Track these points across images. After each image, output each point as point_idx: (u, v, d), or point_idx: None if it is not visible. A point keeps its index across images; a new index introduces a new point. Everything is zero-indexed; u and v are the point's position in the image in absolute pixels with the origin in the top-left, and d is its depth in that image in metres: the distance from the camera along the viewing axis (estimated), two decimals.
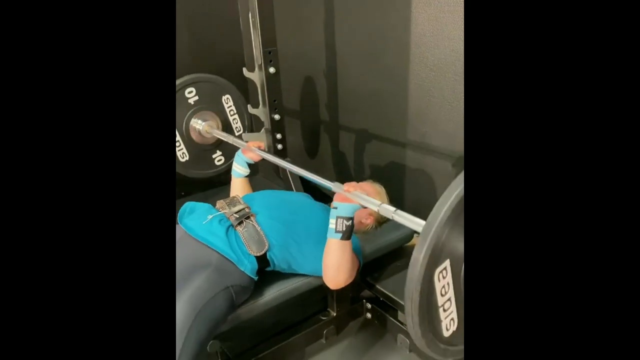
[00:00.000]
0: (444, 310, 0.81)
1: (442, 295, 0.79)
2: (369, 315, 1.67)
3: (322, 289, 1.63)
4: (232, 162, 1.63)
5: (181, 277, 1.08)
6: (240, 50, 2.05)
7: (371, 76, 1.85)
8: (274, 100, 1.77)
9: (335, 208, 1.11)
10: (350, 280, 1.22)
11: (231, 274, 1.14)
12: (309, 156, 2.40)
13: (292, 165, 1.37)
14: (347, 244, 1.13)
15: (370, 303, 1.65)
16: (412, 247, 1.73)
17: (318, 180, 1.22)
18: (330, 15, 1.94)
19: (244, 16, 2.16)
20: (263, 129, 1.82)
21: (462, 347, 0.89)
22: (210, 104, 1.89)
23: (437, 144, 1.68)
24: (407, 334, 1.51)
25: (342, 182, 1.16)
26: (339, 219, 1.10)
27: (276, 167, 1.84)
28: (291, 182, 1.79)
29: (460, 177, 0.72)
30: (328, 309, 1.62)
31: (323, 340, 1.59)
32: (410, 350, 1.53)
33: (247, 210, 1.25)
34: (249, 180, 1.58)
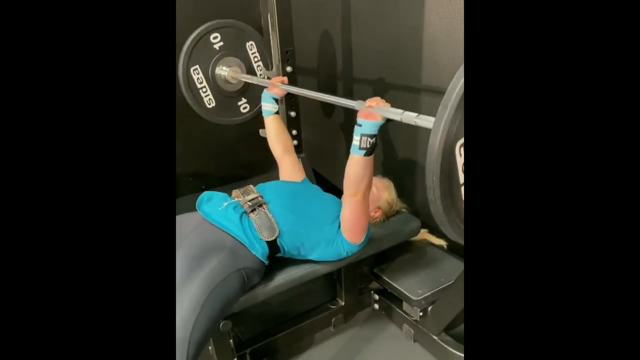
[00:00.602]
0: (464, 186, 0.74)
1: (464, 172, 0.72)
2: (376, 306, 1.74)
3: (329, 275, 1.71)
4: (257, 110, 1.63)
5: (197, 258, 1.16)
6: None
7: (387, 75, 1.91)
8: (291, 99, 1.85)
9: (360, 126, 1.11)
10: (366, 203, 1.25)
11: (244, 257, 1.22)
12: (324, 152, 2.48)
13: (313, 92, 1.38)
14: (370, 160, 1.15)
15: (378, 294, 1.71)
16: (419, 241, 1.78)
17: (339, 101, 1.22)
18: (347, 18, 2.01)
19: (265, 17, 2.25)
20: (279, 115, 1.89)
21: None
22: (234, 50, 1.86)
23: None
24: (411, 324, 1.57)
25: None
26: (362, 137, 1.10)
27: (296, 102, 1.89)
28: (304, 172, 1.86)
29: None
30: (337, 299, 1.69)
31: (331, 328, 1.66)
32: (414, 341, 1.58)
33: (259, 199, 1.33)
34: (279, 117, 1.64)
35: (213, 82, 1.84)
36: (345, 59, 2.12)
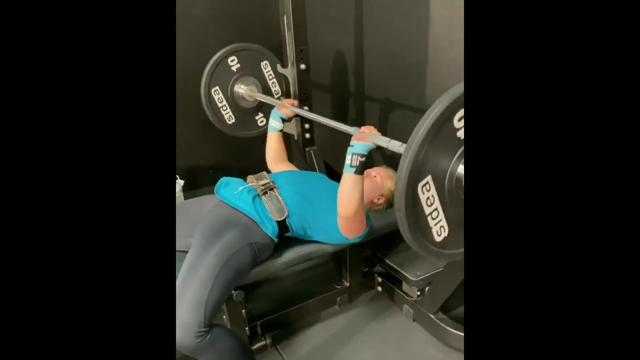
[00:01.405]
0: (433, 219, 0.89)
1: (428, 205, 0.86)
2: (379, 288, 1.85)
3: (336, 259, 1.84)
4: None
5: (215, 232, 1.31)
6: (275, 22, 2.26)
7: (393, 73, 2.03)
8: (304, 94, 1.98)
9: (352, 146, 1.25)
10: (359, 214, 1.36)
11: (256, 233, 1.36)
12: (335, 146, 2.60)
13: (317, 116, 1.56)
14: (360, 178, 1.27)
15: (381, 277, 1.83)
16: None
17: (339, 125, 1.38)
18: (359, 19, 2.13)
19: (281, 18, 2.40)
20: (293, 119, 2.03)
21: (456, 250, 0.96)
22: (250, 70, 2.07)
23: None
24: (411, 305, 1.69)
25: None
26: (354, 155, 1.24)
27: (304, 153, 2.05)
28: (316, 166, 2.00)
29: (435, 104, 0.80)
30: (342, 280, 1.82)
31: (337, 307, 1.79)
32: (414, 320, 1.70)
33: (271, 183, 1.47)
34: (282, 135, 1.83)
35: (232, 100, 2.08)
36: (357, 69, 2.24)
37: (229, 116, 2.09)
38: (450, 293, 1.49)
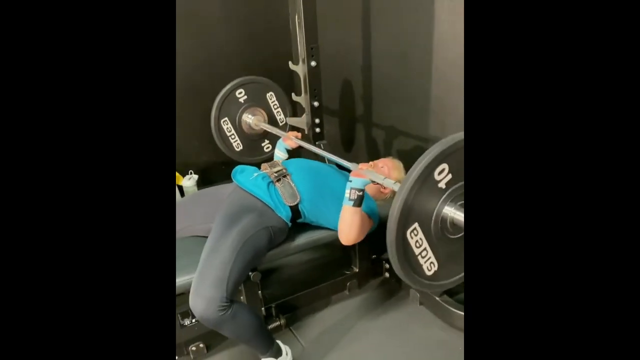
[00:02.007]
0: (422, 257, 1.03)
1: (417, 247, 1.00)
2: (387, 274, 1.94)
3: (345, 247, 1.92)
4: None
5: (234, 216, 1.40)
6: (283, 49, 2.42)
7: (400, 71, 2.12)
8: (314, 89, 2.07)
9: (350, 181, 1.37)
10: (360, 238, 1.47)
11: (271, 217, 1.45)
12: (345, 144, 2.70)
13: (318, 149, 1.68)
14: (358, 210, 1.39)
15: (388, 263, 1.92)
16: None
17: (339, 160, 1.50)
18: (367, 19, 2.22)
19: (293, 17, 2.50)
20: (304, 114, 2.13)
21: (445, 281, 1.11)
22: (257, 101, 2.24)
23: (454, 131, 1.92)
24: (418, 289, 1.77)
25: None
26: (352, 190, 1.36)
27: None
28: (326, 161, 2.09)
29: (420, 160, 0.94)
30: (351, 266, 1.90)
31: (346, 292, 1.88)
32: (420, 303, 1.78)
33: (284, 171, 1.57)
34: None
35: (240, 129, 2.24)
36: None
37: (237, 144, 2.25)
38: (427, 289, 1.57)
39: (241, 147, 2.26)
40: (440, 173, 0.96)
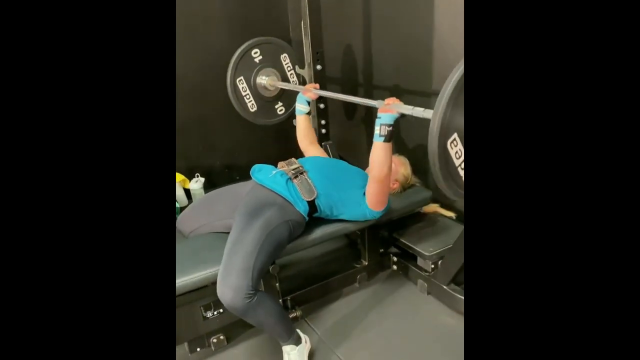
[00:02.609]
0: (462, 168, 1.06)
1: (457, 158, 1.04)
2: (394, 267, 2.03)
3: (352, 239, 2.01)
4: (291, 110, 2.05)
5: (256, 210, 1.48)
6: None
7: (401, 72, 2.22)
8: None
9: (380, 118, 1.40)
10: (388, 179, 1.52)
11: (290, 212, 1.53)
12: (349, 143, 2.79)
13: (340, 95, 1.71)
14: (389, 145, 1.43)
15: (396, 256, 2.01)
16: (431, 213, 2.07)
17: (363, 100, 1.53)
18: (367, 23, 2.33)
19: (294, 24, 2.60)
20: (310, 115, 2.21)
21: None
22: (271, 62, 2.24)
23: None
24: (425, 279, 1.86)
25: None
26: (382, 126, 1.39)
27: (320, 147, 2.22)
28: (330, 155, 2.19)
29: (451, 75, 0.95)
30: (361, 259, 1.99)
31: (357, 284, 1.96)
32: (428, 293, 1.87)
33: (301, 168, 1.65)
34: (309, 117, 1.99)
35: (255, 90, 2.25)
36: (365, 63, 2.43)
37: (251, 104, 2.25)
38: (460, 265, 1.67)
39: (255, 108, 2.26)
40: None
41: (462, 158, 1.05)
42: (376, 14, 2.28)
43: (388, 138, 1.42)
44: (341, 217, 1.66)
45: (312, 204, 1.58)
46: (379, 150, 1.45)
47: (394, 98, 1.42)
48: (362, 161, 1.55)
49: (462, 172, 1.06)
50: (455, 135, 1.02)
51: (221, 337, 1.63)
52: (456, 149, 1.03)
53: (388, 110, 1.39)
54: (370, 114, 2.54)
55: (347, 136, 2.80)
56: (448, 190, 1.06)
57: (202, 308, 1.56)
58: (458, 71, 0.96)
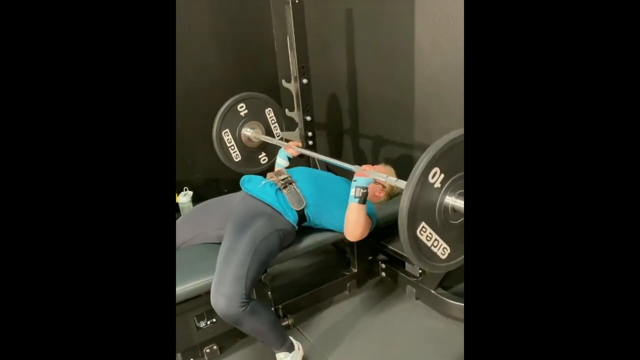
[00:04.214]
0: (435, 247, 1.19)
1: (428, 240, 1.16)
2: (383, 274, 2.07)
3: (341, 246, 2.05)
4: (273, 161, 2.13)
5: (246, 221, 1.51)
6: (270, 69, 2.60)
7: (384, 84, 2.30)
8: (307, 105, 2.22)
9: (355, 181, 1.52)
10: (364, 235, 1.61)
11: (280, 221, 1.57)
12: (335, 155, 2.85)
13: (321, 155, 1.82)
14: (363, 207, 1.53)
15: (384, 263, 2.05)
16: None
17: (342, 164, 1.64)
18: (350, 39, 2.40)
19: (278, 39, 2.67)
20: (297, 129, 2.27)
21: (458, 259, 1.25)
22: (256, 116, 2.38)
23: (438, 136, 2.09)
24: (414, 285, 1.90)
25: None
26: (357, 188, 1.51)
27: (307, 159, 2.28)
28: (318, 167, 2.23)
29: (412, 172, 1.08)
30: (350, 267, 2.03)
31: (347, 292, 2.00)
32: (417, 298, 1.91)
33: (289, 178, 1.69)
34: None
35: (239, 141, 2.37)
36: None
37: (235, 155, 2.38)
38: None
39: (240, 158, 2.37)
40: (433, 176, 1.11)
41: (434, 238, 1.17)
42: (359, 27, 2.35)
43: (362, 200, 1.52)
44: (329, 227, 1.70)
45: (301, 214, 1.62)
46: (354, 210, 1.54)
47: (370, 165, 1.56)
48: (349, 174, 1.61)
49: (435, 250, 1.19)
50: (423, 223, 1.14)
51: (214, 347, 1.65)
52: (426, 234, 1.15)
53: (363, 174, 1.49)
54: (357, 127, 2.61)
55: (332, 147, 2.87)
56: (425, 267, 1.20)
57: (195, 318, 1.57)
58: (427, 156, 1.08)
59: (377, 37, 2.25)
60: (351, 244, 1.95)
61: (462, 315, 1.74)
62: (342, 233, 1.73)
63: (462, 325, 1.73)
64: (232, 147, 2.34)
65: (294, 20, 2.02)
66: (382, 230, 1.99)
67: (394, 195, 1.97)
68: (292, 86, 2.20)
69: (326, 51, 2.61)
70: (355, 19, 2.35)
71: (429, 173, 1.10)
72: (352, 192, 1.52)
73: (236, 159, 2.37)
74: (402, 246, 1.90)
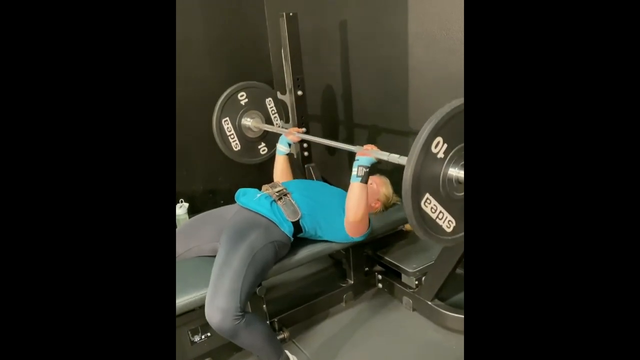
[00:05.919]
0: (440, 219, 1.14)
1: (433, 212, 1.12)
2: (380, 285, 2.06)
3: (337, 258, 2.04)
4: (273, 152, 2.10)
5: (241, 233, 1.50)
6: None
7: (379, 95, 2.31)
8: (302, 116, 2.23)
9: (357, 160, 1.49)
10: (365, 219, 1.59)
11: (275, 233, 1.56)
12: (330, 166, 2.85)
13: (321, 139, 1.81)
14: (365, 186, 1.51)
15: (381, 274, 2.04)
16: (413, 231, 2.12)
17: (344, 145, 1.61)
18: (345, 49, 2.42)
19: (274, 51, 2.68)
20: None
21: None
22: (257, 105, 2.33)
23: None
24: (410, 296, 1.89)
25: None
26: (359, 167, 1.48)
27: (303, 169, 2.28)
28: (314, 178, 2.23)
29: (416, 140, 1.05)
30: (346, 279, 2.02)
31: (343, 304, 1.98)
32: (413, 309, 1.90)
33: (284, 190, 1.69)
34: (288, 158, 2.04)
35: (239, 130, 2.33)
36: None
37: (235, 144, 2.33)
38: (443, 280, 1.71)
39: (239, 148, 2.33)
40: (436, 146, 1.07)
41: (438, 210, 1.13)
42: (353, 39, 2.37)
43: (365, 179, 1.50)
44: (325, 238, 1.69)
45: (296, 225, 1.61)
46: (356, 189, 1.52)
47: (372, 145, 1.52)
48: (343, 184, 1.61)
49: (440, 222, 1.15)
50: (427, 194, 1.10)
51: None
52: (430, 206, 1.11)
53: (366, 154, 1.48)
54: (352, 137, 2.61)
55: (328, 158, 2.87)
56: (430, 239, 1.15)
57: (189, 332, 1.56)
58: (429, 124, 1.04)
59: (371, 49, 2.27)
60: (347, 254, 1.95)
61: (458, 327, 1.73)
62: (338, 243, 1.74)
63: (459, 337, 1.72)
64: (232, 136, 2.29)
65: (288, 33, 2.03)
66: (378, 240, 1.99)
67: (389, 205, 1.97)
68: (286, 98, 2.22)
69: (321, 61, 2.62)
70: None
71: (431, 142, 1.06)
72: (355, 171, 1.49)
73: (235, 148, 2.32)
74: (398, 257, 1.93)
